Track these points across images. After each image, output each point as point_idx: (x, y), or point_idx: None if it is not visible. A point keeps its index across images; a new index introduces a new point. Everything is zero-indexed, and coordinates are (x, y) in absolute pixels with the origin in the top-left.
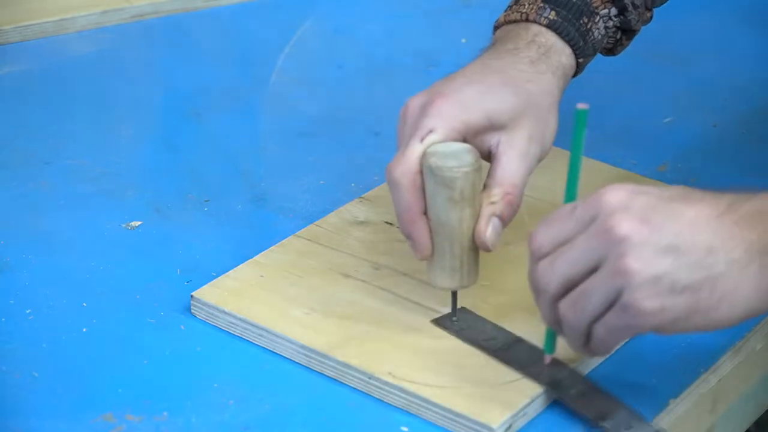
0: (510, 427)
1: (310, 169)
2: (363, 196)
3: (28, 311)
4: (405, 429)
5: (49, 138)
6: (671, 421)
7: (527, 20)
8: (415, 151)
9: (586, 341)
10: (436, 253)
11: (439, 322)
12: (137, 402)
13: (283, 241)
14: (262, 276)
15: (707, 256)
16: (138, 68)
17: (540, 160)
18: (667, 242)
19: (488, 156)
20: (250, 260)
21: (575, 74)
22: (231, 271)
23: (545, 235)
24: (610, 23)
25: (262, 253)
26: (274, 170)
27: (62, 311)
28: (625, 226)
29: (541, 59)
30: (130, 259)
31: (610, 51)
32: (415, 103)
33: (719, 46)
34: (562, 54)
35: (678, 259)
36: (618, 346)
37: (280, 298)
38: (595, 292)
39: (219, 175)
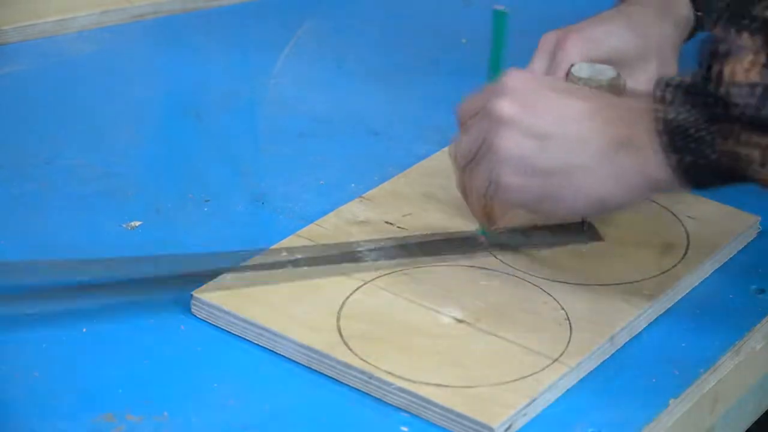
0: (510, 427)
1: (310, 169)
2: (363, 196)
3: (28, 311)
4: (405, 429)
5: (49, 138)
6: (671, 421)
7: None
8: (537, 61)
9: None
10: None
11: None
12: (137, 402)
13: (283, 240)
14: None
15: (568, 147)
16: (138, 68)
17: None
18: (537, 129)
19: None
20: (249, 260)
21: (694, 30)
22: (231, 271)
23: (462, 107)
24: None
25: (262, 252)
26: (274, 170)
27: (62, 311)
28: (506, 107)
29: (664, 11)
30: None
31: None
32: (549, 37)
33: None
34: (683, 7)
35: (541, 145)
36: (512, 219)
37: (280, 298)
38: (480, 166)
39: (219, 175)
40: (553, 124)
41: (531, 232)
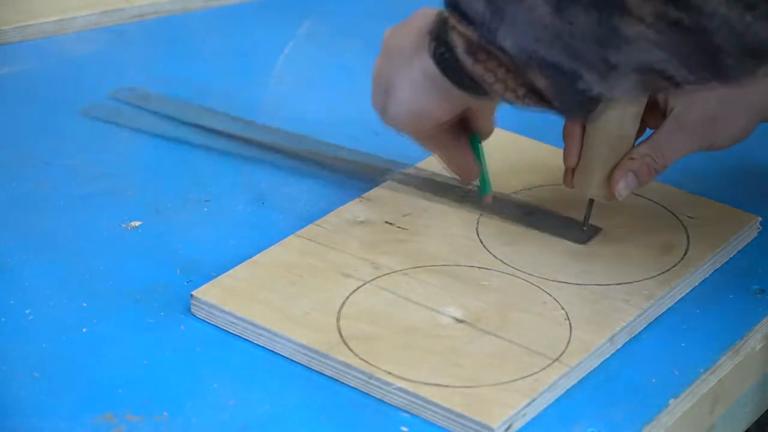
0: (510, 427)
1: (310, 169)
2: (363, 196)
3: (28, 311)
4: (405, 429)
5: (49, 138)
6: (671, 421)
7: None
8: None
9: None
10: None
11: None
12: (137, 402)
13: (283, 240)
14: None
15: (397, 62)
16: (138, 68)
17: (709, 149)
18: (385, 48)
19: (659, 109)
20: (250, 260)
21: None
22: (231, 271)
23: None
24: None
25: (262, 252)
26: (274, 170)
27: (62, 311)
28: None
29: None
30: (130, 259)
31: None
32: None
33: None
34: None
35: (386, 63)
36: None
37: (280, 297)
38: None
39: (219, 175)
40: (393, 43)
41: (533, 211)
